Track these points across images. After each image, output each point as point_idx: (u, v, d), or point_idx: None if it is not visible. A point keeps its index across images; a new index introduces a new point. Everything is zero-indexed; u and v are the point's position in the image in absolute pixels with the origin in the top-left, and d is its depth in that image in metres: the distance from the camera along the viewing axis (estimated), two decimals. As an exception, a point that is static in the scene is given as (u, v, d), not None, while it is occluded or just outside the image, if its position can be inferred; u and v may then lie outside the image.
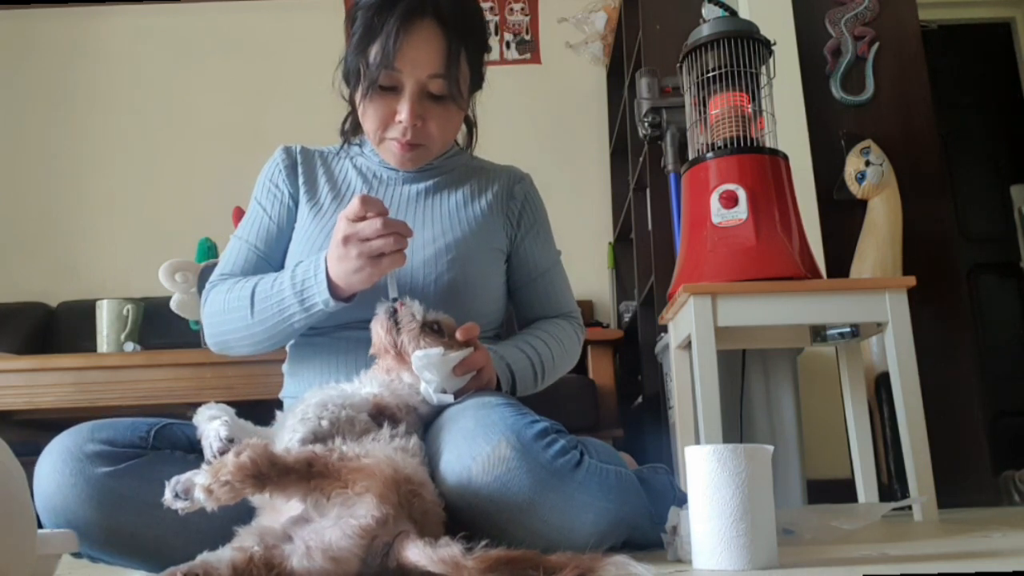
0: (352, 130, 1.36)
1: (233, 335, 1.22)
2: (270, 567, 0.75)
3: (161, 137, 3.72)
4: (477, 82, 1.31)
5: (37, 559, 0.71)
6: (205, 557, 0.74)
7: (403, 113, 1.20)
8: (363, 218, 1.06)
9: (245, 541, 0.78)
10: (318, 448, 0.86)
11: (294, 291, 1.14)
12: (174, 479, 0.83)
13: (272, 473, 0.78)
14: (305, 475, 0.80)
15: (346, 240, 1.06)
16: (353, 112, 1.32)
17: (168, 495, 0.82)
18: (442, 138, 1.27)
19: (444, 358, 1.05)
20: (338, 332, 1.21)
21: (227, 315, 1.21)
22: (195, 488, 0.77)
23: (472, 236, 1.27)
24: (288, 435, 0.93)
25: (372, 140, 1.28)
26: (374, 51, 1.18)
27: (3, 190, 3.67)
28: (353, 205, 1.06)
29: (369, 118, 1.24)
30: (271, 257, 1.31)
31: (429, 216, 1.28)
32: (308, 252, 1.23)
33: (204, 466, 0.79)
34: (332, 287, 1.11)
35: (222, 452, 0.94)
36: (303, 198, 1.32)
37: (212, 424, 0.96)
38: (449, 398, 1.06)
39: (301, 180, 1.33)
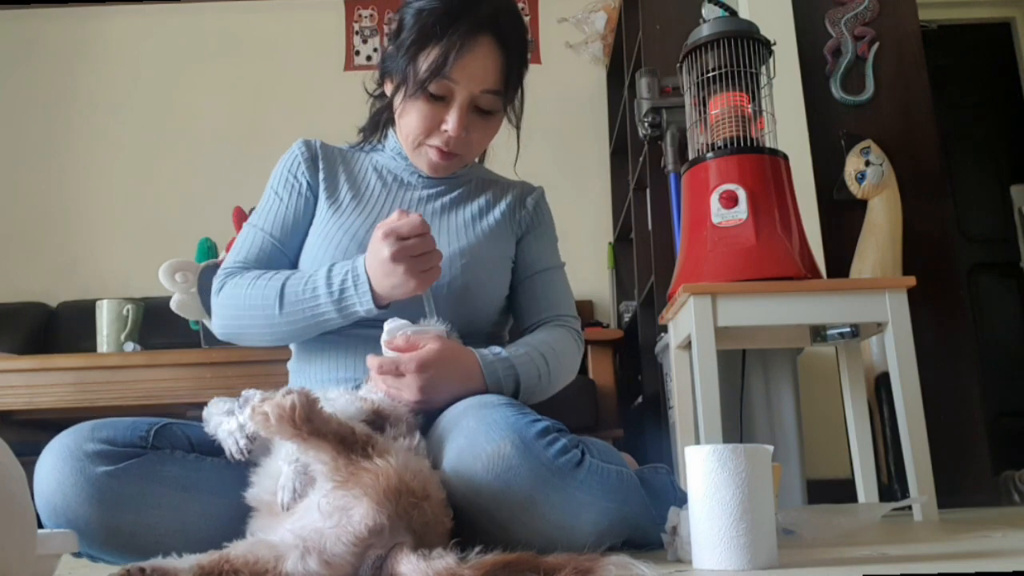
0: (374, 128, 1.37)
1: (252, 328, 1.22)
2: (263, 571, 0.75)
3: (161, 137, 3.72)
4: (517, 99, 1.33)
5: (37, 559, 0.71)
6: (161, 562, 0.73)
7: (451, 124, 1.20)
8: (405, 237, 1.07)
9: (232, 550, 0.77)
10: (359, 427, 0.86)
11: (331, 297, 1.14)
12: (245, 393, 0.87)
13: (304, 429, 0.79)
14: (336, 447, 0.81)
15: (395, 257, 1.07)
16: (383, 111, 1.33)
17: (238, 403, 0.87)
18: (478, 151, 1.31)
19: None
20: (346, 329, 1.21)
21: (250, 309, 1.20)
22: (251, 400, 0.83)
23: (484, 243, 1.29)
24: (287, 462, 0.90)
25: (407, 143, 1.28)
26: (430, 57, 1.18)
27: (3, 190, 3.67)
28: (402, 224, 1.07)
29: (411, 122, 1.23)
30: (287, 247, 1.29)
31: (446, 223, 1.29)
32: (326, 249, 1.24)
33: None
34: (374, 296, 1.12)
35: (249, 450, 0.96)
36: (323, 193, 1.31)
37: (232, 419, 0.96)
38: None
39: (321, 175, 1.32)
